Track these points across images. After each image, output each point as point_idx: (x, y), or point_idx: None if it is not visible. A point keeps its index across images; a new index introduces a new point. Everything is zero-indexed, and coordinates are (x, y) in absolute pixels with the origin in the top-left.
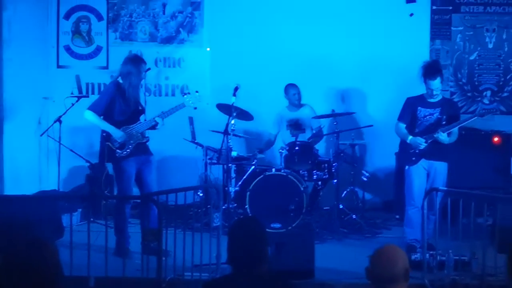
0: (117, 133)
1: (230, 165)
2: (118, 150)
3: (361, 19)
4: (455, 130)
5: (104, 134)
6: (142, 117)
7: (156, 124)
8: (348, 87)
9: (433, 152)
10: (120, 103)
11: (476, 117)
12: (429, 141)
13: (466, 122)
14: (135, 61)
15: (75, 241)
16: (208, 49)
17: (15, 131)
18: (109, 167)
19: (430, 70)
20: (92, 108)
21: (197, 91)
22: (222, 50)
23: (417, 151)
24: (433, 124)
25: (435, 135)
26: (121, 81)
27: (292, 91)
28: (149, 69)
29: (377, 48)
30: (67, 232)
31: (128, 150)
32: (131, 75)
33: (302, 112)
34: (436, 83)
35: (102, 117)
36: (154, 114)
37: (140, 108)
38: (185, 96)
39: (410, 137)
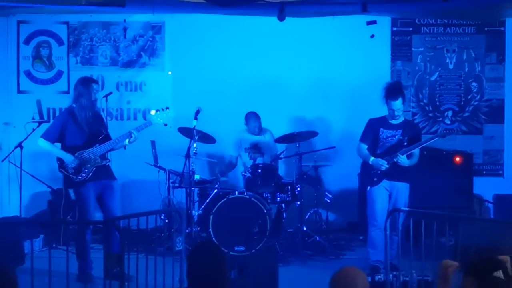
0: (67, 158)
1: (193, 188)
2: (72, 176)
3: (322, 41)
4: (416, 151)
5: (58, 161)
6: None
7: (117, 144)
8: (310, 110)
9: (394, 173)
10: (73, 128)
11: (437, 138)
12: (390, 162)
13: (427, 143)
14: (84, 82)
15: (37, 268)
16: (169, 72)
17: None
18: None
19: (392, 90)
20: (45, 135)
21: (167, 107)
22: (183, 73)
23: (378, 172)
24: (395, 146)
25: (395, 159)
26: (74, 105)
27: (252, 122)
28: (110, 93)
29: (339, 70)
30: (28, 259)
31: (84, 175)
32: (81, 97)
33: (262, 136)
34: (397, 103)
35: (57, 144)
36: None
37: (98, 130)
38: (154, 113)
39: (372, 158)
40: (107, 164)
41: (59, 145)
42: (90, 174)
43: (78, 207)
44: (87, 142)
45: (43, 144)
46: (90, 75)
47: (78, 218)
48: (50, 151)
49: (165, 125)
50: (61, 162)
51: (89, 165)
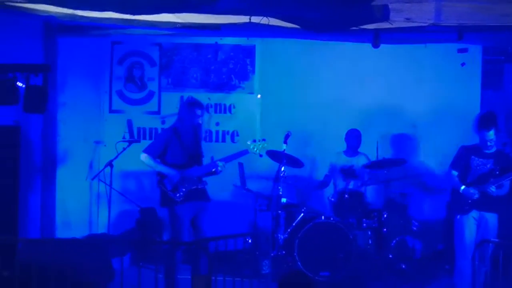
0: (171, 172)
1: (279, 212)
2: (171, 193)
3: (413, 68)
4: (507, 182)
5: (158, 177)
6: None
7: (216, 169)
8: (401, 135)
9: (484, 203)
10: (176, 147)
11: None
12: (481, 191)
13: None
14: (189, 105)
15: (125, 286)
16: (259, 96)
17: (67, 175)
18: (159, 211)
19: (486, 121)
20: (148, 150)
21: (264, 139)
22: (272, 97)
23: (469, 201)
24: (486, 174)
25: (486, 189)
26: (178, 125)
27: (353, 139)
28: (206, 112)
29: (429, 97)
30: (117, 276)
31: (181, 194)
32: (184, 119)
33: (357, 160)
34: (491, 134)
35: (158, 160)
36: (205, 159)
37: (198, 153)
38: (251, 143)
39: (463, 186)
40: (204, 186)
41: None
42: (187, 194)
43: (172, 226)
44: (187, 162)
45: (146, 158)
46: (180, 96)
47: (171, 238)
48: (151, 166)
49: (261, 156)
50: (161, 177)
51: (186, 185)
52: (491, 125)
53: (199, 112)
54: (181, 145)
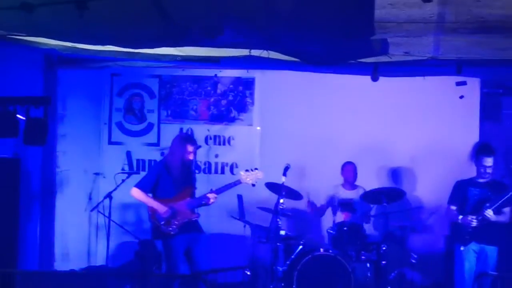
0: (162, 209)
1: (278, 244)
2: (163, 227)
3: (411, 101)
4: (506, 210)
5: (150, 211)
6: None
7: (208, 200)
8: (398, 168)
9: (483, 235)
10: (167, 181)
11: None
12: (479, 218)
13: None
14: (182, 140)
15: None
16: (258, 128)
17: (67, 206)
18: (160, 243)
19: (485, 147)
20: (139, 185)
21: (256, 168)
22: (272, 129)
23: (469, 229)
24: (482, 201)
25: (484, 212)
26: (169, 158)
27: (349, 172)
28: (199, 147)
29: (426, 129)
30: None
31: (174, 227)
32: (175, 153)
33: (355, 193)
34: (489, 160)
35: (150, 194)
36: (203, 191)
37: (190, 185)
38: (244, 173)
39: (461, 216)
40: (196, 218)
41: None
42: (180, 226)
43: (166, 259)
44: (179, 195)
45: (137, 193)
46: (180, 128)
47: (166, 271)
48: (143, 201)
49: (253, 185)
50: (153, 212)
51: (179, 218)
52: (489, 152)
53: (190, 148)
54: (171, 179)
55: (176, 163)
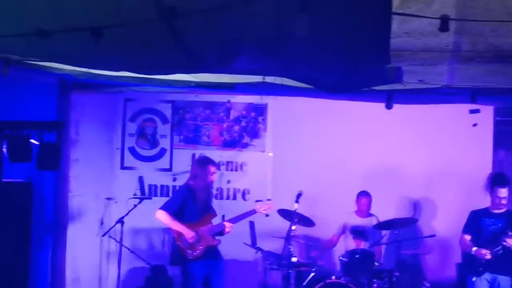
0: (188, 233)
1: (290, 271)
2: (188, 251)
3: (425, 129)
4: None
5: (175, 235)
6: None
7: (224, 228)
8: (411, 197)
9: (496, 265)
10: (191, 205)
11: None
12: (494, 250)
13: None
14: (201, 163)
15: None
16: (270, 154)
17: (79, 231)
18: (170, 269)
19: (499, 177)
20: (165, 207)
21: (269, 199)
22: (284, 155)
23: (483, 261)
24: (499, 234)
25: (504, 241)
26: (191, 183)
27: (363, 201)
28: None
29: (440, 158)
30: None
31: (199, 252)
32: (197, 177)
33: (369, 221)
34: (504, 191)
35: (175, 217)
36: (216, 217)
37: (210, 211)
38: (258, 204)
39: (475, 248)
40: (217, 244)
41: None
42: (202, 252)
43: (184, 284)
44: (202, 220)
45: (163, 216)
46: (192, 154)
47: None
48: (168, 224)
49: (267, 215)
50: (178, 236)
51: (203, 243)
52: (505, 183)
53: (213, 169)
54: (195, 203)
55: (201, 186)
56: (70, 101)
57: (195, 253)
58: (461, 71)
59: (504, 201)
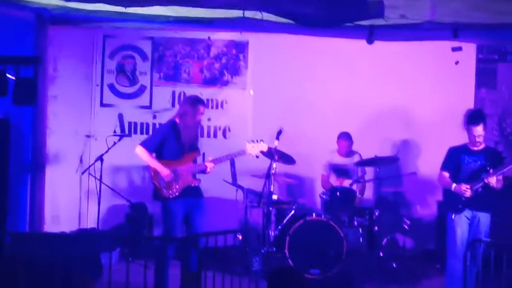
0: (164, 172)
1: (270, 208)
2: (164, 190)
3: (407, 66)
4: (500, 178)
5: (152, 173)
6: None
7: (206, 168)
8: (393, 134)
9: (476, 202)
10: (173, 143)
11: None
12: (474, 188)
13: None
14: (192, 102)
15: (114, 281)
16: (251, 91)
17: (57, 168)
18: (150, 206)
19: (473, 116)
20: (144, 144)
21: (262, 140)
22: (265, 93)
23: (463, 198)
24: (478, 171)
25: (485, 180)
26: (177, 120)
27: (343, 142)
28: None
29: (423, 95)
30: (106, 271)
31: (175, 191)
32: (186, 115)
33: (351, 159)
34: (478, 129)
35: (154, 155)
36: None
37: (195, 150)
38: (250, 144)
39: (454, 184)
40: (198, 184)
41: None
42: (181, 191)
43: (164, 221)
44: (183, 159)
45: (141, 152)
46: (172, 91)
47: (162, 233)
48: (146, 160)
49: (257, 157)
50: (155, 173)
51: (181, 182)
52: (479, 120)
53: (202, 109)
54: (178, 141)
55: (188, 125)
56: (48, 37)
57: (170, 192)
58: (443, 6)
59: (479, 139)
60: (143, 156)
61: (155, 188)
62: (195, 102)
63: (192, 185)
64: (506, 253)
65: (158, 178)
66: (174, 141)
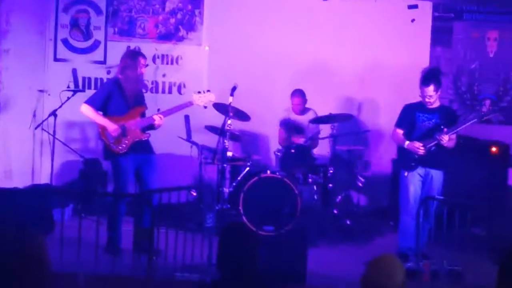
0: (111, 127)
1: (225, 165)
2: (113, 145)
3: (363, 23)
4: (453, 136)
5: (99, 129)
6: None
7: (154, 122)
8: (348, 92)
9: (429, 160)
10: (118, 99)
11: (475, 120)
12: (427, 146)
13: (470, 123)
14: (132, 55)
15: (66, 237)
16: (207, 48)
17: (10, 123)
18: (105, 163)
19: (425, 76)
20: (89, 102)
21: (209, 90)
22: (221, 49)
23: (416, 156)
24: (432, 129)
25: (438, 137)
26: (120, 76)
27: (297, 99)
28: (147, 65)
29: (379, 53)
30: (58, 227)
31: (124, 146)
32: (127, 69)
33: (306, 116)
34: (429, 90)
35: (100, 112)
36: (151, 111)
37: (141, 105)
38: (196, 95)
39: (408, 142)
40: (147, 138)
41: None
42: (130, 146)
43: (115, 178)
44: (129, 114)
45: (87, 110)
46: (127, 46)
47: (114, 190)
48: (92, 118)
49: (205, 107)
50: (102, 130)
51: (129, 137)
52: (429, 81)
53: (143, 61)
54: (122, 96)
55: (130, 78)
56: None
57: (120, 147)
58: None
59: (429, 99)
60: (89, 113)
61: (105, 146)
62: (135, 54)
63: (142, 139)
64: (458, 211)
65: (106, 134)
66: (118, 96)
